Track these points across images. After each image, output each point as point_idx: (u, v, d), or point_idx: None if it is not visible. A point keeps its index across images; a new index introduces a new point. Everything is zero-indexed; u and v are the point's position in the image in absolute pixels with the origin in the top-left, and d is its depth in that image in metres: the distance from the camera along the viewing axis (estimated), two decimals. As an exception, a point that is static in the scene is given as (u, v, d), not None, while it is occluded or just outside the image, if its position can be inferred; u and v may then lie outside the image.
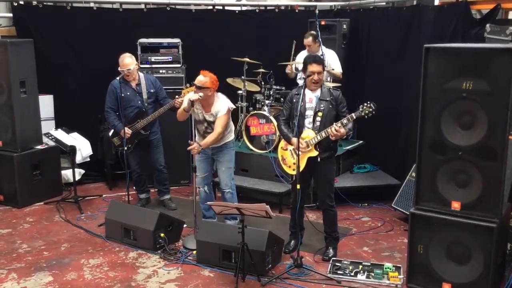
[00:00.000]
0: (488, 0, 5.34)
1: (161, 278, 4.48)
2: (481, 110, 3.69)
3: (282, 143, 4.90)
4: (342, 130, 4.41)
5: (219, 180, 5.42)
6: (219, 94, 5.14)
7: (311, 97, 4.62)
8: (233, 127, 5.38)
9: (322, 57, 6.11)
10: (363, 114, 4.38)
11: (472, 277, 3.86)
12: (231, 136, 5.30)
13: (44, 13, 6.68)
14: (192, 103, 4.87)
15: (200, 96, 4.85)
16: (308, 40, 6.44)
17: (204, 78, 4.94)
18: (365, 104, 4.37)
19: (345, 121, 4.42)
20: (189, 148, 4.95)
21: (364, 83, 7.08)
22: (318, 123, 4.55)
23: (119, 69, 5.60)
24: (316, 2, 8.47)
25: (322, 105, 4.56)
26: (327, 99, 4.57)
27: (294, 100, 4.61)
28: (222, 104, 5.07)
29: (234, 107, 5.41)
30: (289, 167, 4.80)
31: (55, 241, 5.25)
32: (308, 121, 4.60)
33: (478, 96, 3.68)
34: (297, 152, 4.42)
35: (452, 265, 3.95)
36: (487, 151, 3.70)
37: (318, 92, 4.62)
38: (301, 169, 4.50)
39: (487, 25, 5.12)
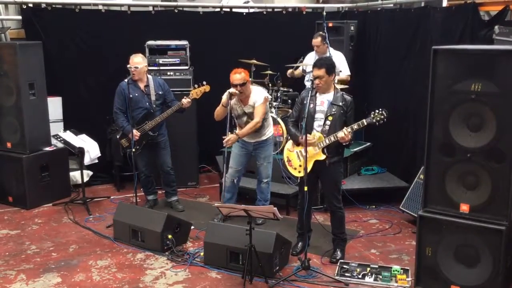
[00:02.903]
0: (497, 2, 5.32)
1: (169, 279, 4.49)
2: (490, 112, 3.67)
3: (289, 144, 4.89)
4: (350, 136, 4.40)
5: (258, 172, 5.63)
6: (251, 85, 5.44)
7: (322, 100, 4.59)
8: (271, 122, 5.65)
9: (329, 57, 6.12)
10: (374, 121, 4.36)
11: (481, 280, 3.83)
12: (271, 132, 5.59)
13: (53, 16, 6.72)
14: (231, 96, 5.16)
15: (241, 92, 5.16)
16: (316, 40, 6.44)
17: (240, 75, 5.20)
18: (377, 111, 4.35)
19: (355, 126, 4.40)
20: (225, 140, 5.23)
21: (372, 84, 7.07)
22: (327, 127, 4.53)
23: (127, 66, 5.63)
24: (324, 4, 8.48)
25: (333, 109, 4.53)
26: (340, 104, 4.53)
27: (305, 102, 4.59)
28: (258, 94, 5.35)
29: (270, 96, 5.67)
30: (295, 169, 4.78)
31: (63, 242, 5.27)
32: (317, 124, 4.58)
33: (487, 98, 3.66)
34: (304, 154, 4.41)
35: (461, 268, 3.93)
36: (496, 153, 3.68)
37: (330, 96, 4.58)
38: (307, 171, 4.49)
39: (496, 27, 5.11)
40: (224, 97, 5.30)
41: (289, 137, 5.29)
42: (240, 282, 4.32)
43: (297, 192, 5.27)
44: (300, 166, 4.66)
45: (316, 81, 4.51)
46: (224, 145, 5.26)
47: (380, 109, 4.35)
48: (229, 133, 5.26)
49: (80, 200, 6.25)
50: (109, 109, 5.99)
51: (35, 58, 6.18)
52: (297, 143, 4.71)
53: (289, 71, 6.73)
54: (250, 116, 5.36)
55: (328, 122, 4.53)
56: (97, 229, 5.55)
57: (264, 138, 5.49)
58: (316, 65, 4.56)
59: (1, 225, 5.72)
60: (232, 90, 5.18)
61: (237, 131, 5.46)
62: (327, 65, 4.55)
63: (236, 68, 5.30)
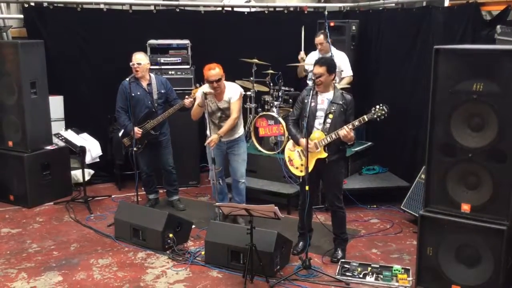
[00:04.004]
0: (499, 2, 5.31)
1: (170, 278, 4.49)
2: (491, 112, 3.67)
3: (290, 144, 4.89)
4: (352, 133, 4.41)
5: (233, 172, 5.54)
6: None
7: (323, 99, 4.61)
8: (242, 120, 5.59)
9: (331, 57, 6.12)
10: (375, 116, 4.36)
11: (482, 280, 3.83)
12: (242, 129, 5.54)
13: (55, 15, 6.73)
14: (205, 95, 5.07)
15: (216, 88, 5.13)
16: (319, 38, 6.46)
17: (215, 70, 5.17)
18: (378, 106, 4.35)
19: (356, 123, 4.41)
20: (207, 141, 5.19)
21: (373, 84, 7.07)
22: (328, 125, 4.54)
23: (130, 63, 5.64)
24: (325, 3, 8.48)
25: (333, 108, 4.54)
26: (339, 102, 4.55)
27: (306, 101, 4.60)
28: (234, 90, 5.32)
29: (244, 92, 5.61)
30: (296, 168, 4.79)
31: (64, 241, 5.28)
32: (318, 122, 4.59)
33: (489, 98, 3.65)
34: (305, 153, 4.41)
35: (462, 268, 3.93)
36: (498, 153, 3.68)
37: (330, 95, 4.60)
38: (309, 170, 4.50)
39: (498, 27, 5.10)
40: (199, 96, 5.23)
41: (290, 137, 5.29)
42: (241, 281, 4.32)
43: (298, 191, 5.27)
44: (302, 165, 4.66)
45: (317, 79, 4.52)
46: (208, 146, 5.21)
47: (381, 105, 4.34)
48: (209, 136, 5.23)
49: (81, 199, 6.26)
50: (111, 108, 6.00)
51: (36, 57, 6.18)
52: (297, 144, 4.72)
53: (299, 70, 6.73)
54: (225, 111, 5.32)
55: (328, 120, 4.54)
56: (98, 228, 5.56)
57: (237, 136, 5.45)
58: (318, 62, 4.57)
59: (3, 223, 5.73)
60: (207, 89, 5.12)
61: (208, 129, 5.40)
62: (328, 64, 4.57)
63: (209, 64, 5.23)
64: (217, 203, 4.87)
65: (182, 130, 6.55)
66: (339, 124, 4.48)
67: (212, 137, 5.20)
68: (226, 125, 5.25)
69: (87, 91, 6.99)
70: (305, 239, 4.78)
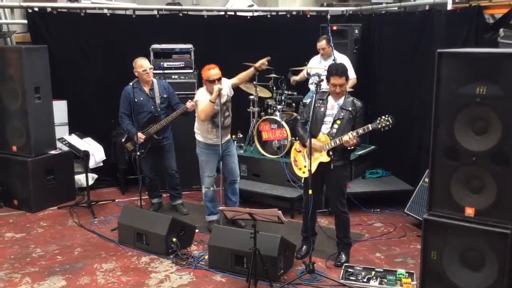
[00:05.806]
0: (502, 5, 5.30)
1: (173, 283, 4.49)
2: (495, 115, 3.66)
3: (296, 145, 4.91)
4: (355, 140, 4.42)
5: (230, 172, 5.57)
6: None
7: (333, 104, 4.64)
8: None
9: (334, 61, 6.14)
10: (379, 126, 4.38)
11: (486, 284, 3.81)
12: None
13: (58, 20, 6.76)
14: (220, 91, 5.12)
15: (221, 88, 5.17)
16: (322, 43, 6.47)
17: (215, 70, 5.26)
18: (384, 117, 4.37)
19: (361, 131, 4.43)
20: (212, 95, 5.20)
21: (376, 88, 7.06)
22: (335, 130, 4.56)
23: (140, 70, 5.66)
24: (328, 7, 8.48)
25: (342, 114, 4.57)
26: (349, 108, 4.57)
27: (316, 105, 4.61)
28: (226, 84, 5.41)
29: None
30: (300, 169, 4.82)
31: (68, 245, 5.28)
32: (325, 127, 4.62)
33: (492, 101, 3.64)
34: (309, 157, 4.42)
35: (466, 272, 3.91)
36: (501, 156, 3.66)
37: (341, 100, 4.62)
38: (312, 172, 4.50)
39: (501, 30, 5.09)
40: (212, 97, 5.16)
41: (293, 140, 5.28)
42: (244, 286, 4.32)
43: (301, 195, 5.27)
44: (305, 166, 4.70)
45: (337, 89, 4.55)
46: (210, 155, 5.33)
47: (387, 116, 4.36)
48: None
49: (85, 203, 6.27)
50: (114, 112, 6.01)
51: (40, 61, 6.21)
52: (303, 145, 4.73)
53: (292, 79, 6.74)
54: (226, 103, 5.36)
55: (336, 126, 4.56)
56: (102, 232, 5.56)
57: (229, 137, 5.57)
58: (337, 73, 4.55)
59: (7, 228, 5.75)
60: (220, 86, 5.14)
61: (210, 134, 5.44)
62: (345, 72, 4.60)
63: (208, 64, 5.30)
64: (220, 207, 4.87)
65: (185, 134, 6.53)
66: (347, 130, 4.50)
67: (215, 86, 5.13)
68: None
69: (90, 96, 7.01)
70: (309, 243, 4.78)
